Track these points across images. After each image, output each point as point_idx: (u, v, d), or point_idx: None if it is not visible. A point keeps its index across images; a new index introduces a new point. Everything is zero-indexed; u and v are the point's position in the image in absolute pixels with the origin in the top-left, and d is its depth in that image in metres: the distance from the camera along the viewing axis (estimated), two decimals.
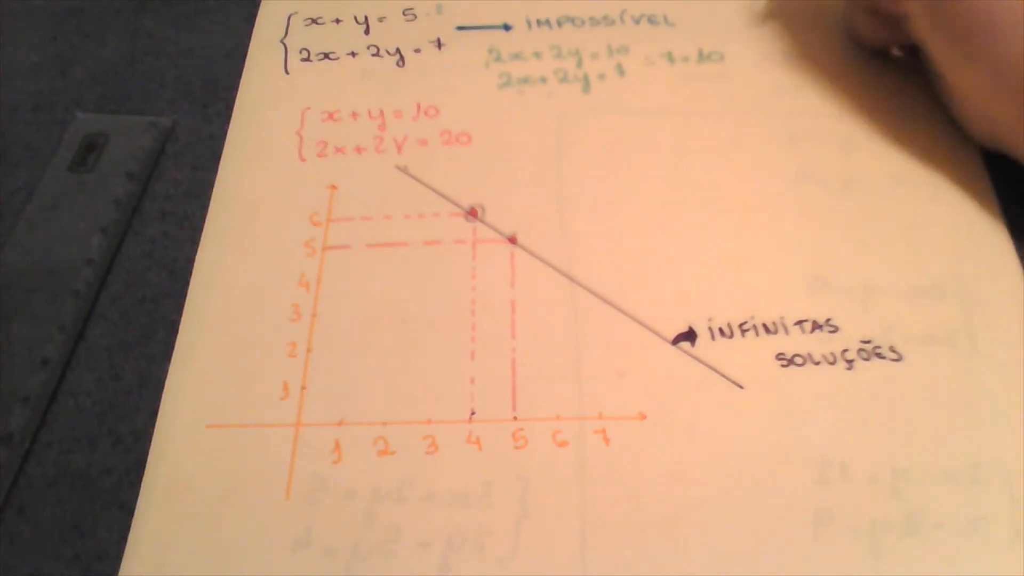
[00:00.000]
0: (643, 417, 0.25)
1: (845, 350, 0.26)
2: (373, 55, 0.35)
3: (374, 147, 0.32)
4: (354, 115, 0.33)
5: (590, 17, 0.35)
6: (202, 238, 0.29)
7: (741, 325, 0.26)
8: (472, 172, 0.31)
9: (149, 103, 0.34)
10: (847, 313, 0.27)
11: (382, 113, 0.33)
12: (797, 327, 0.26)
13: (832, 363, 0.26)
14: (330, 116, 0.33)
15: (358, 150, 0.32)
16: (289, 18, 0.36)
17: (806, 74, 0.32)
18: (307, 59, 0.35)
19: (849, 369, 0.26)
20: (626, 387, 0.25)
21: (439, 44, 0.35)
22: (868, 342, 0.26)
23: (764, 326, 0.26)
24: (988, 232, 0.28)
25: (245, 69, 0.34)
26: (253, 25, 0.36)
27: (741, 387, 0.25)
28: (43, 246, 0.29)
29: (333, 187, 0.30)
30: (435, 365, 0.26)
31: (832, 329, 0.26)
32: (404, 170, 0.31)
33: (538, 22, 0.35)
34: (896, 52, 0.33)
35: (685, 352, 0.26)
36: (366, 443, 0.25)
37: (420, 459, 0.24)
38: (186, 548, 0.23)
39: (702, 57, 0.33)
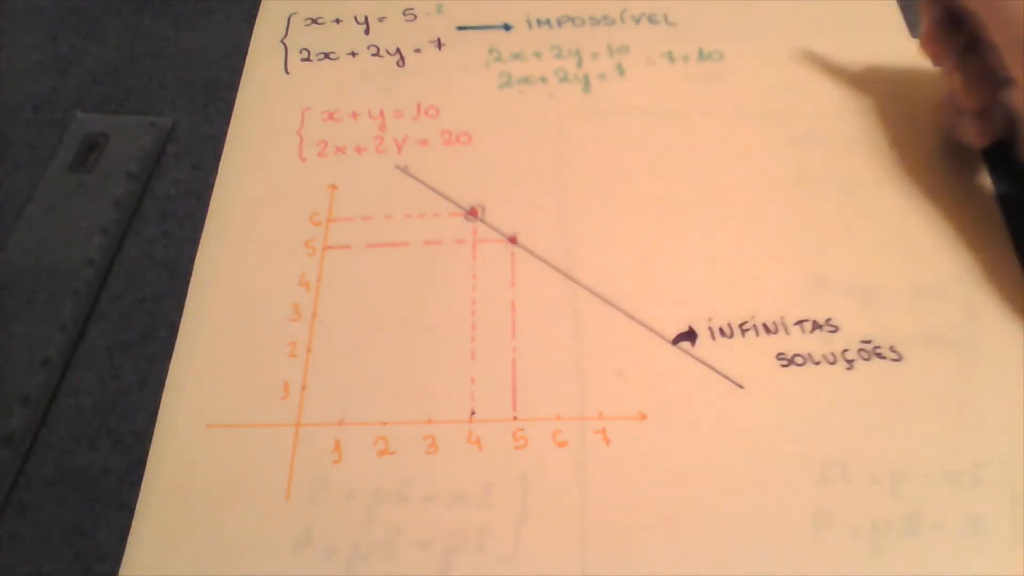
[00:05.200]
0: (643, 417, 0.25)
1: (845, 350, 0.26)
2: (373, 55, 0.35)
3: (374, 147, 0.32)
4: (354, 115, 0.33)
5: (590, 17, 0.35)
6: (202, 238, 0.29)
7: (741, 325, 0.26)
8: (472, 172, 0.31)
9: (149, 103, 0.34)
10: (847, 313, 0.27)
11: (382, 113, 0.33)
12: (797, 327, 0.26)
13: (832, 363, 0.26)
14: (330, 116, 0.33)
15: (358, 150, 0.32)
16: (289, 18, 0.36)
17: (806, 74, 0.32)
18: (307, 59, 0.35)
19: (849, 369, 0.26)
20: (626, 387, 0.25)
21: (439, 44, 0.35)
22: (868, 342, 0.26)
23: (764, 326, 0.26)
24: (988, 232, 0.28)
25: (245, 69, 0.34)
26: (253, 25, 0.36)
27: (741, 387, 0.25)
28: (43, 246, 0.29)
29: (333, 187, 0.30)
30: (435, 365, 0.26)
31: (832, 329, 0.26)
32: (404, 170, 0.31)
33: (538, 22, 0.35)
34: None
35: (685, 352, 0.26)
36: (366, 443, 0.25)
37: (420, 459, 0.24)
38: (186, 548, 0.23)
39: (702, 57, 0.33)
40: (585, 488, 0.24)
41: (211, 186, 0.31)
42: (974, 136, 0.28)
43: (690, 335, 0.26)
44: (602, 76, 0.33)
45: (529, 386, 0.26)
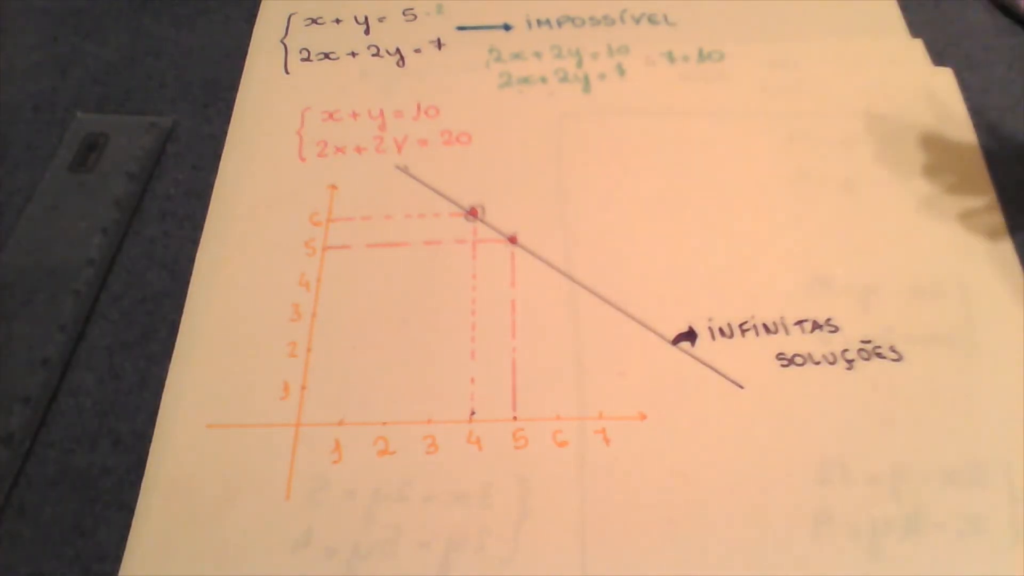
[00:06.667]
0: (643, 417, 0.25)
1: (845, 350, 0.26)
2: (373, 55, 0.35)
3: (374, 147, 0.32)
4: (354, 115, 0.33)
5: (590, 17, 0.35)
6: (202, 238, 0.29)
7: (741, 325, 0.26)
8: (472, 172, 0.31)
9: (149, 103, 0.34)
10: (847, 313, 0.27)
11: (382, 113, 0.33)
12: (797, 327, 0.26)
13: (832, 363, 0.26)
14: (330, 116, 0.33)
15: (358, 150, 0.32)
16: (289, 18, 0.36)
17: (806, 74, 0.32)
18: (307, 59, 0.35)
19: (849, 369, 0.26)
20: (626, 387, 0.25)
21: (439, 44, 0.35)
22: (868, 342, 0.26)
23: (764, 326, 0.26)
24: (988, 232, 0.28)
25: (245, 69, 0.34)
26: (253, 25, 0.36)
27: (741, 387, 0.25)
28: (43, 246, 0.29)
29: (333, 187, 0.30)
30: (435, 365, 0.26)
31: (832, 329, 0.26)
32: (404, 170, 0.31)
33: (538, 22, 0.35)
34: None
35: (685, 352, 0.26)
36: (366, 443, 0.25)
37: (420, 459, 0.24)
38: (186, 548, 0.23)
39: (702, 57, 0.33)
40: (585, 488, 0.24)
41: (211, 186, 0.31)
42: None
43: (690, 335, 0.26)
44: (602, 76, 0.33)
45: (529, 386, 0.26)
